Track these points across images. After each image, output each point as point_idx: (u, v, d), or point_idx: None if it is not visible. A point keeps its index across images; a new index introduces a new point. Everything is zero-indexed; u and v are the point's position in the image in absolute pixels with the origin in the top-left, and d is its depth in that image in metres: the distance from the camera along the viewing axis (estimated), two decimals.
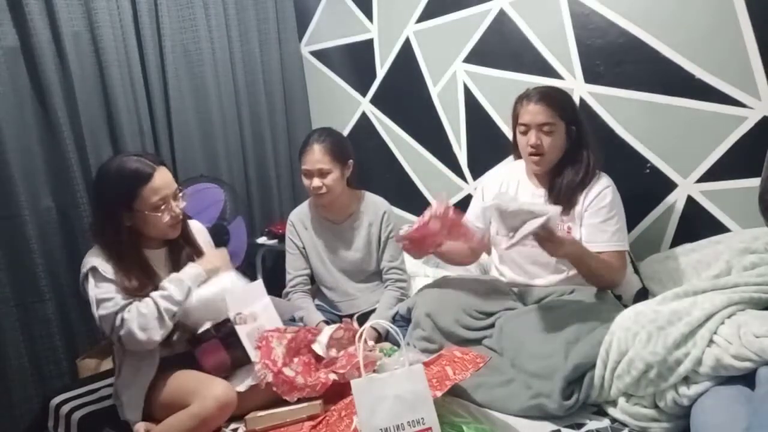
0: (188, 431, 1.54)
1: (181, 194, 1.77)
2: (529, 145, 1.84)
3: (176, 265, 1.80)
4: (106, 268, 1.67)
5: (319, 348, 1.70)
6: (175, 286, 1.69)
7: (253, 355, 1.65)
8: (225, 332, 1.69)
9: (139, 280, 1.69)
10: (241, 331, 1.68)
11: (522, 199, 1.86)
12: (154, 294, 1.67)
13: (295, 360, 1.67)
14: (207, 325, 1.71)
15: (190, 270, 1.75)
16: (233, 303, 1.71)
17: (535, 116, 1.82)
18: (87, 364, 2.27)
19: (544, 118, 1.82)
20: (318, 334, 1.79)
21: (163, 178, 1.71)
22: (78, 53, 2.28)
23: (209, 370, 1.68)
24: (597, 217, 1.82)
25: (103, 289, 1.66)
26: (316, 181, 2.12)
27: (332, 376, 1.62)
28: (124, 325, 1.62)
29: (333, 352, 1.70)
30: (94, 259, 1.68)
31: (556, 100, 1.85)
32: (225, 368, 1.69)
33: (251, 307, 1.75)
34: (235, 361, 1.70)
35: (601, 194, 1.84)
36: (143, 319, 1.62)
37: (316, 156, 2.11)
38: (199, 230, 1.94)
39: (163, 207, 1.70)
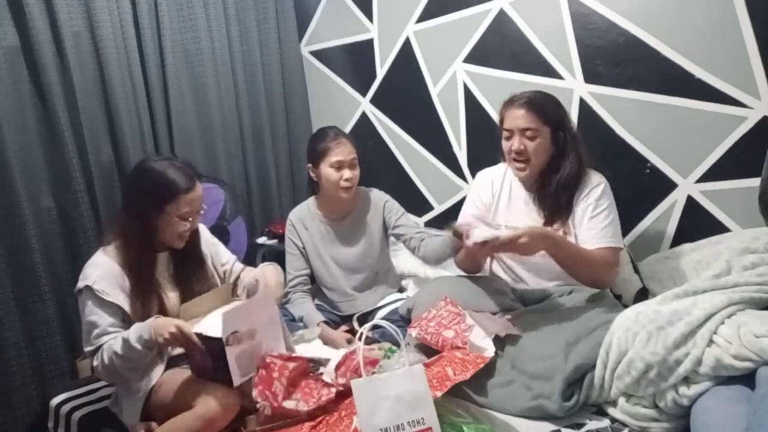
0: None
1: (201, 211, 1.79)
2: (513, 150, 1.83)
3: (179, 270, 1.80)
4: (103, 285, 1.64)
5: (328, 378, 1.66)
6: (126, 347, 1.58)
7: (237, 379, 1.54)
8: (214, 349, 1.54)
9: (144, 285, 1.69)
10: (231, 352, 1.53)
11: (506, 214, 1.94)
12: (113, 347, 1.59)
13: (295, 392, 1.58)
14: (199, 329, 1.58)
15: (143, 332, 1.58)
16: (229, 322, 1.53)
17: (516, 121, 1.81)
18: (87, 364, 2.26)
19: (526, 122, 1.80)
20: (322, 363, 1.77)
21: (199, 192, 1.74)
22: (78, 53, 2.27)
23: (193, 369, 1.65)
24: (586, 215, 1.81)
25: (88, 317, 1.64)
26: (348, 173, 2.14)
27: (334, 389, 1.58)
28: (95, 368, 1.66)
29: (342, 380, 1.62)
30: (91, 273, 1.66)
31: (540, 105, 1.83)
32: (208, 376, 1.60)
33: (251, 324, 1.60)
34: (218, 376, 1.57)
35: (591, 192, 1.83)
36: (105, 368, 1.62)
37: (349, 147, 2.16)
38: (200, 231, 1.92)
39: (189, 218, 1.73)
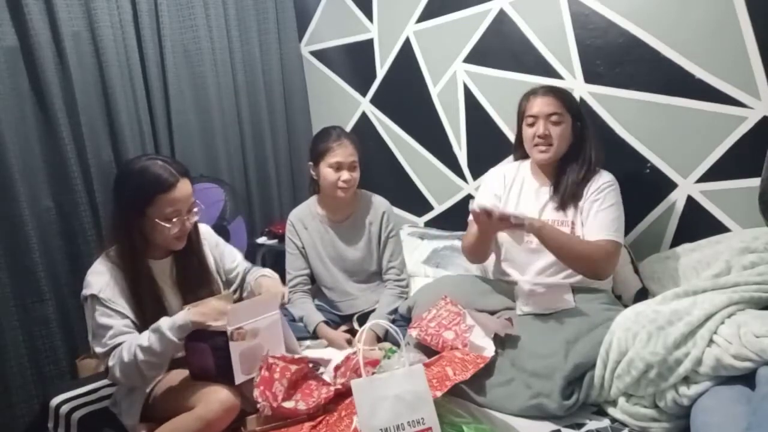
0: None
1: (195, 209, 1.71)
2: (537, 135, 1.87)
3: (181, 276, 1.76)
4: (108, 293, 1.61)
5: (328, 377, 1.67)
6: (156, 337, 1.54)
7: (238, 376, 1.56)
8: (217, 344, 1.57)
9: (142, 293, 1.65)
10: (235, 348, 1.55)
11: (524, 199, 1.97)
12: (137, 341, 1.56)
13: (295, 393, 1.59)
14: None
15: (177, 319, 1.56)
16: (234, 316, 1.57)
17: (543, 107, 1.87)
18: (87, 364, 2.27)
19: (553, 108, 1.86)
20: (321, 364, 1.77)
21: (183, 190, 1.65)
22: (78, 53, 2.27)
23: (193, 371, 1.64)
24: (594, 208, 1.84)
25: (99, 320, 1.60)
26: (346, 174, 2.15)
27: (333, 388, 1.59)
28: (109, 369, 1.59)
29: (341, 380, 1.63)
30: (95, 282, 1.62)
31: (562, 93, 1.92)
32: (209, 377, 1.60)
33: (255, 322, 1.61)
34: (220, 373, 1.58)
35: (601, 188, 1.86)
36: (125, 366, 1.56)
37: (350, 149, 2.16)
38: (203, 234, 1.87)
39: (174, 220, 1.64)
